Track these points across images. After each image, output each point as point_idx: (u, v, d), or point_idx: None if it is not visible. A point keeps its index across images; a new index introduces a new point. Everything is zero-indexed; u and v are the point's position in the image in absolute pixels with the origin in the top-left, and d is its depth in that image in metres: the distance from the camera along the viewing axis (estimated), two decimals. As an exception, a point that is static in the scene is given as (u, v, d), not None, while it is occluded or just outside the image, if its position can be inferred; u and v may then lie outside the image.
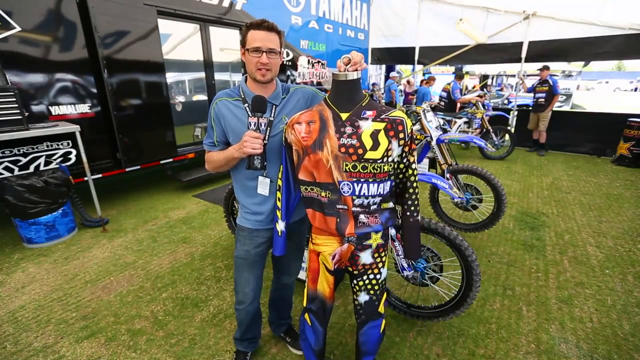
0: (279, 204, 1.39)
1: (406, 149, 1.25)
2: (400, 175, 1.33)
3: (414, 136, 1.27)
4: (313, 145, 1.22)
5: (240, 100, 1.37)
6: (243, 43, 1.30)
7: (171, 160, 4.39)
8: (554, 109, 6.52)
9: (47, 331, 2.03)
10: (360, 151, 1.17)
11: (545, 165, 5.83)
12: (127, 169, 3.92)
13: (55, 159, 3.25)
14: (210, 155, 1.44)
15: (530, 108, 6.86)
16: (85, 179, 3.35)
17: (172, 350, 1.88)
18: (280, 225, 1.41)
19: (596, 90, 32.07)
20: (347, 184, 1.20)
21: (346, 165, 1.18)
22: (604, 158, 6.32)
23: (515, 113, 7.39)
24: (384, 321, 1.45)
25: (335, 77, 1.22)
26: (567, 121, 6.75)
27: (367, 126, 1.18)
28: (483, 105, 7.23)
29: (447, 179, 3.04)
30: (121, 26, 3.59)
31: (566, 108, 13.79)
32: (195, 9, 4.37)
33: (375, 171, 1.19)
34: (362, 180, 1.19)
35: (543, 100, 6.37)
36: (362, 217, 1.25)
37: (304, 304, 1.49)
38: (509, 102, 12.46)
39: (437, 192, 3.34)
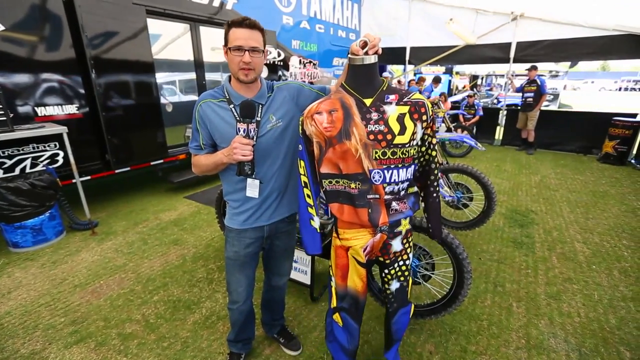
0: (309, 200, 1.32)
1: (428, 131, 1.24)
2: (422, 158, 1.32)
3: (434, 118, 1.27)
4: (338, 135, 1.16)
5: (225, 101, 1.32)
6: (225, 41, 1.24)
7: (162, 161, 4.33)
8: (542, 108, 6.66)
9: (35, 337, 1.98)
10: (389, 137, 1.14)
11: (534, 164, 5.93)
12: (116, 171, 3.85)
13: (41, 161, 3.17)
14: (198, 159, 1.38)
15: (519, 107, 6.99)
16: (74, 181, 3.28)
17: (164, 354, 1.86)
18: (316, 222, 1.34)
19: (582, 90, 32.71)
20: (378, 172, 1.16)
21: (376, 152, 1.14)
22: (590, 156, 6.46)
23: (505, 112, 7.52)
24: (412, 305, 1.45)
25: (352, 62, 1.16)
26: (555, 120, 6.90)
27: (392, 111, 1.15)
28: (474, 106, 7.35)
29: (439, 177, 3.07)
30: (109, 26, 3.52)
31: (553, 107, 14.02)
32: (185, 9, 4.32)
33: (403, 156, 1.16)
34: (392, 166, 1.16)
35: (531, 99, 6.50)
36: (394, 204, 1.22)
37: (333, 305, 1.41)
38: (499, 102, 12.66)
39: (429, 191, 3.37)
